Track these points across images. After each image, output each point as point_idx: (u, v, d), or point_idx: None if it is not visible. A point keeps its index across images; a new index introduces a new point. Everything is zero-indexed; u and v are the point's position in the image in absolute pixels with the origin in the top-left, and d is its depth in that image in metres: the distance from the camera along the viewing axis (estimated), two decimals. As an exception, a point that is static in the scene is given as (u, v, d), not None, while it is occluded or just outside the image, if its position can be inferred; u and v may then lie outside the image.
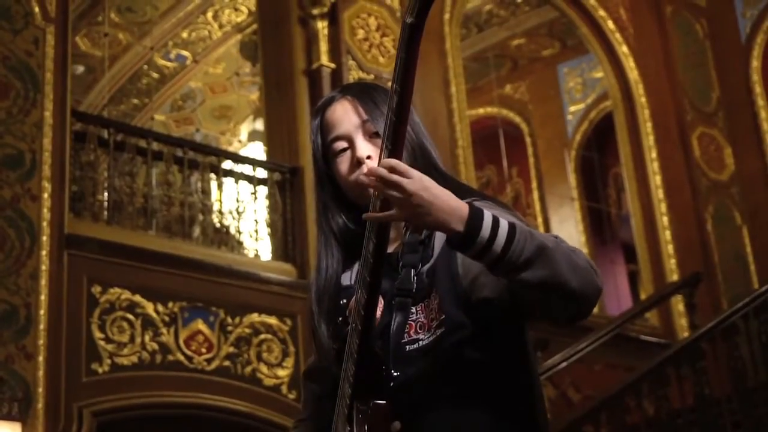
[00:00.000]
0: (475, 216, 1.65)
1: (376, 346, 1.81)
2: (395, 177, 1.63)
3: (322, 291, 2.02)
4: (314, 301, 2.03)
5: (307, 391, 2.20)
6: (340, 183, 2.01)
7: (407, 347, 1.85)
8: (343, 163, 1.99)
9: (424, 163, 1.97)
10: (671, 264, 10.23)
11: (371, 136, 1.98)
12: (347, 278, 2.03)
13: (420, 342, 1.85)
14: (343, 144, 2.00)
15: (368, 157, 1.95)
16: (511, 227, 1.66)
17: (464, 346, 1.83)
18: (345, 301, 1.96)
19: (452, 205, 1.65)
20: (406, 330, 1.86)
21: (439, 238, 1.89)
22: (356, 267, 2.00)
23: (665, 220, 10.46)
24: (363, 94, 2.03)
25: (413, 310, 1.87)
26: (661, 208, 10.51)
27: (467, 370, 1.83)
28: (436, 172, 1.97)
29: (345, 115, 2.01)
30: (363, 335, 1.76)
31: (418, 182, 1.64)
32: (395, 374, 1.81)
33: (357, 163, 1.96)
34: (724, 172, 10.94)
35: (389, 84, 1.71)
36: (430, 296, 1.86)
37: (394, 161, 1.65)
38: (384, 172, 1.64)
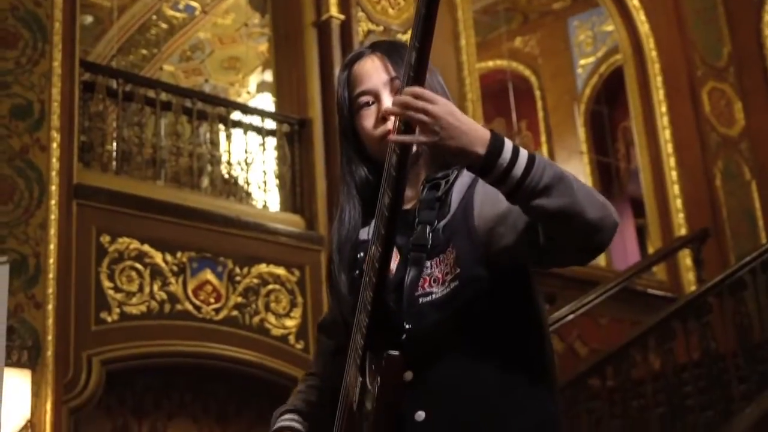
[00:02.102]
0: (497, 140, 1.66)
1: (389, 299, 1.81)
2: (420, 102, 1.64)
3: (344, 241, 2.04)
4: (335, 251, 2.04)
5: (320, 344, 2.22)
6: (363, 137, 2.03)
7: (420, 300, 1.87)
8: (368, 118, 2.00)
9: None
10: (679, 219, 10.22)
11: (397, 92, 1.96)
12: (365, 233, 2.04)
13: (433, 295, 1.86)
14: (369, 98, 2.01)
15: None
16: (531, 154, 1.68)
17: (477, 300, 1.85)
18: (362, 254, 1.98)
19: (475, 131, 1.66)
20: (420, 284, 1.87)
21: (456, 194, 1.91)
22: (373, 222, 2.02)
23: (674, 174, 10.44)
24: (392, 51, 2.04)
25: (428, 264, 1.88)
26: (670, 162, 10.49)
27: (479, 322, 1.85)
28: None
29: (373, 71, 2.02)
30: (376, 288, 1.78)
31: (443, 107, 1.65)
32: (407, 326, 1.81)
33: (382, 118, 1.97)
34: (734, 127, 10.90)
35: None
36: (446, 251, 1.87)
37: (418, 88, 1.66)
38: (410, 98, 1.65)
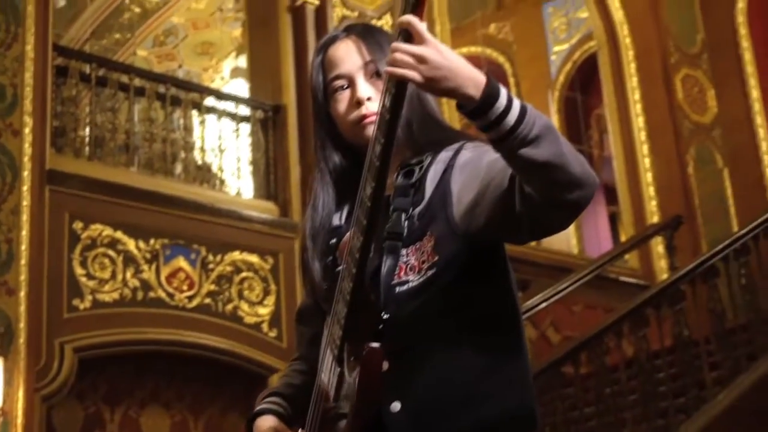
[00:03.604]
0: (493, 86, 1.64)
1: (367, 288, 1.80)
2: (412, 48, 1.62)
3: (318, 228, 2.02)
4: (308, 237, 2.02)
5: (299, 333, 2.20)
6: (338, 122, 2.00)
7: (397, 288, 1.85)
8: (342, 102, 1.98)
9: (420, 109, 1.97)
10: (652, 206, 10.27)
11: (372, 76, 1.97)
12: (337, 218, 2.02)
13: (409, 283, 1.84)
14: (343, 82, 1.99)
15: (368, 99, 1.94)
16: (523, 104, 1.66)
17: (454, 288, 1.83)
18: (335, 241, 1.97)
19: (468, 71, 1.64)
20: (396, 272, 1.85)
21: (431, 180, 1.89)
22: (346, 208, 2.02)
23: (647, 162, 10.48)
24: (367, 34, 2.02)
25: (403, 252, 1.86)
26: (643, 150, 10.53)
27: (456, 310, 1.84)
28: (431, 120, 1.98)
29: (348, 54, 2.00)
30: (356, 278, 1.76)
31: (433, 45, 1.63)
32: (385, 316, 1.80)
33: (356, 103, 1.95)
34: (707, 114, 10.94)
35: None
36: (423, 239, 1.86)
37: (412, 18, 1.63)
38: (400, 44, 1.63)
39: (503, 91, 1.64)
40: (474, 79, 1.64)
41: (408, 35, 1.64)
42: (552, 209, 1.68)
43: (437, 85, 1.63)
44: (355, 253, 1.75)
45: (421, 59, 1.61)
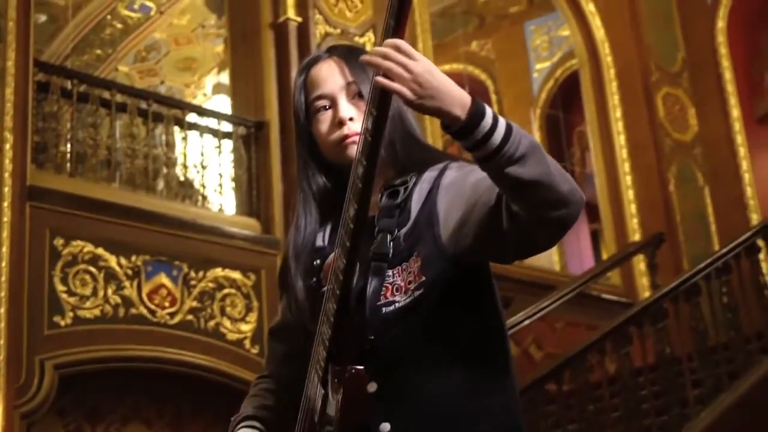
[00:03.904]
0: (478, 106, 1.64)
1: (352, 310, 1.79)
2: (401, 56, 1.61)
3: (300, 248, 2.01)
4: (291, 258, 2.01)
5: (271, 350, 2.20)
6: (320, 142, 2.00)
7: (383, 309, 1.84)
8: (324, 122, 1.98)
9: (402, 129, 1.97)
10: (634, 224, 10.29)
11: (354, 97, 1.97)
12: (320, 239, 2.01)
13: (396, 304, 1.84)
14: (325, 103, 1.98)
15: (350, 119, 1.94)
16: (508, 123, 1.65)
17: (441, 308, 1.83)
18: (318, 262, 1.96)
19: (455, 92, 1.63)
20: (382, 293, 1.84)
21: (416, 201, 1.89)
22: (329, 228, 2.01)
23: (629, 179, 10.51)
24: (350, 55, 2.02)
25: (389, 273, 1.86)
26: (625, 167, 10.56)
27: (443, 330, 1.83)
28: (414, 140, 1.98)
29: (330, 75, 1.99)
30: (341, 300, 1.75)
31: (423, 64, 1.62)
32: (370, 337, 1.79)
33: (338, 123, 1.95)
34: (688, 132, 10.99)
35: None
36: (409, 259, 1.85)
37: (399, 41, 1.62)
38: (390, 50, 1.62)
39: (488, 111, 1.64)
40: (460, 99, 1.63)
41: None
42: (539, 227, 1.67)
43: (424, 103, 1.62)
44: (339, 274, 1.74)
45: (410, 73, 1.60)
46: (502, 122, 1.64)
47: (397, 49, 1.62)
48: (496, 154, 1.62)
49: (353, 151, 1.86)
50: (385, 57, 1.62)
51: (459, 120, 1.62)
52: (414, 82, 1.61)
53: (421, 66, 1.61)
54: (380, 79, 1.62)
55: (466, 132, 1.62)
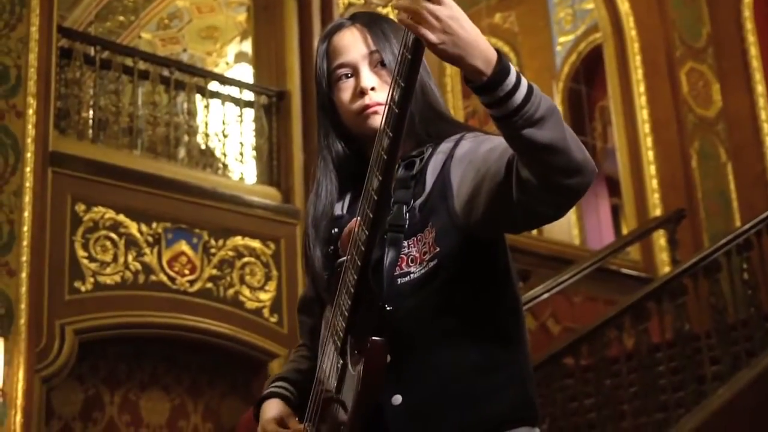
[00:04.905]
0: (504, 63, 1.61)
1: (371, 281, 1.79)
2: (430, 5, 1.58)
3: (320, 216, 2.01)
4: (310, 225, 2.02)
5: (301, 323, 2.20)
6: (341, 111, 2.00)
7: (399, 280, 1.84)
8: (346, 91, 1.97)
9: (423, 100, 1.96)
10: (654, 199, 10.25)
11: (376, 66, 1.96)
12: (339, 208, 2.02)
13: (411, 275, 1.84)
14: (347, 71, 1.98)
15: (372, 89, 1.93)
16: (530, 83, 1.63)
17: (456, 279, 1.83)
18: (336, 231, 1.96)
19: (481, 44, 1.61)
20: (398, 264, 1.85)
21: (431, 171, 1.89)
22: (348, 197, 2.02)
23: (650, 154, 10.46)
24: (373, 23, 2.01)
25: (405, 244, 1.86)
26: (647, 142, 10.50)
27: (458, 302, 1.83)
28: (434, 111, 1.97)
29: (353, 43, 1.99)
30: (362, 271, 1.74)
31: (451, 10, 1.59)
32: (388, 308, 1.79)
33: (360, 93, 1.94)
34: (711, 108, 10.92)
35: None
36: (424, 230, 1.85)
37: None
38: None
39: (513, 70, 1.62)
40: (485, 53, 1.60)
41: None
42: (549, 195, 1.65)
43: (446, 50, 1.59)
44: (360, 245, 1.74)
45: (437, 18, 1.57)
46: (524, 82, 1.62)
47: None
48: (515, 114, 1.60)
49: (374, 121, 1.88)
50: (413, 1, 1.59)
51: (482, 75, 1.60)
52: (439, 26, 1.57)
53: (448, 11, 1.58)
54: (404, 18, 1.59)
55: (489, 88, 1.60)
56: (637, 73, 10.76)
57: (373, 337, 1.74)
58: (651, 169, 10.37)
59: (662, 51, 10.84)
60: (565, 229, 11.31)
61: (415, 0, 1.58)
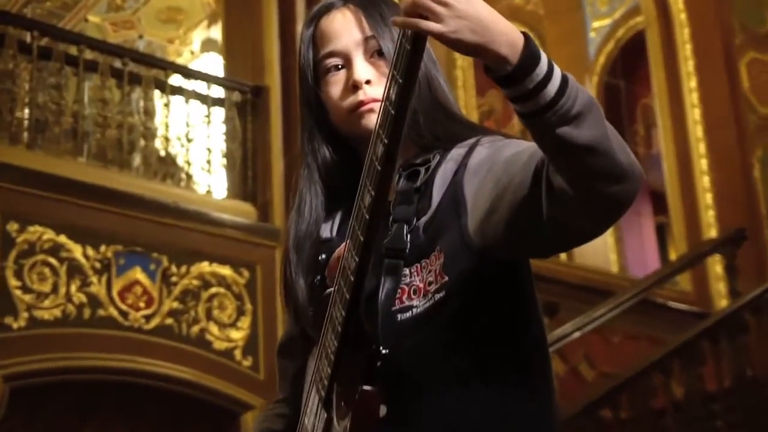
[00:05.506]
0: (532, 46, 1.58)
1: (361, 316, 1.77)
2: None
3: (303, 238, 2.00)
4: (292, 249, 2.00)
5: (281, 369, 2.19)
6: (329, 108, 1.98)
7: (398, 316, 1.82)
8: (336, 85, 1.96)
9: (429, 97, 1.94)
10: (709, 217, 10.27)
11: (373, 55, 1.95)
12: (327, 228, 2.00)
13: (414, 310, 1.82)
14: (337, 61, 1.97)
15: (367, 82, 1.92)
16: (563, 72, 1.60)
17: (468, 315, 1.81)
18: (324, 256, 1.94)
19: (503, 26, 1.58)
20: (397, 296, 1.82)
21: (439, 184, 1.87)
22: (338, 215, 2.00)
23: (704, 163, 10.48)
24: (369, 4, 1.99)
25: (406, 272, 1.83)
26: (700, 148, 10.53)
27: (470, 342, 1.81)
28: (442, 110, 1.95)
29: (345, 28, 1.98)
30: (351, 306, 1.73)
31: None
32: (383, 351, 1.77)
33: (353, 86, 1.93)
34: (778, 107, 10.95)
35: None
36: (430, 255, 1.83)
37: None
38: None
39: (543, 56, 1.59)
40: (509, 36, 1.57)
41: None
42: (587, 207, 1.62)
43: (461, 39, 1.56)
44: (349, 275, 1.71)
45: (444, 4, 1.54)
46: (557, 71, 1.58)
47: None
48: (547, 109, 1.57)
49: (369, 120, 1.86)
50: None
51: (507, 63, 1.57)
52: (448, 12, 1.55)
53: None
54: (404, 19, 1.56)
55: (515, 79, 1.57)
56: (688, 65, 10.79)
57: (364, 386, 1.71)
58: (704, 181, 10.40)
59: (718, 38, 10.87)
60: (600, 253, 11.33)
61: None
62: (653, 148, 12.50)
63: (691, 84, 10.74)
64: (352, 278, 1.71)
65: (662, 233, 12.67)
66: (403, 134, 1.63)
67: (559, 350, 7.78)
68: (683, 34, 10.91)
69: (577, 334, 7.51)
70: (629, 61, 12.81)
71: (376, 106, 1.81)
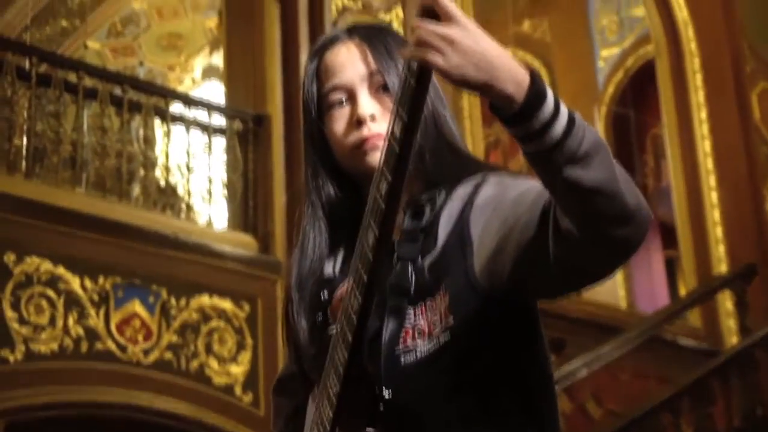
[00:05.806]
0: (539, 84, 1.58)
1: (365, 359, 1.78)
2: (439, 27, 1.56)
3: (306, 276, 1.99)
4: (294, 288, 2.00)
5: (277, 407, 2.18)
6: (333, 144, 1.98)
7: (402, 358, 1.82)
8: (339, 120, 1.96)
9: (435, 134, 1.95)
10: (719, 251, 10.25)
11: (378, 90, 1.95)
12: (330, 266, 2.00)
13: (418, 352, 1.82)
14: (342, 96, 1.97)
15: (372, 117, 1.92)
16: (570, 110, 1.60)
17: (474, 357, 1.81)
18: (326, 295, 1.95)
19: (508, 63, 1.58)
20: (401, 337, 1.83)
21: (445, 222, 1.87)
22: (341, 253, 2.00)
23: (714, 196, 10.47)
24: (374, 38, 2.00)
25: (410, 312, 1.84)
26: (710, 181, 10.52)
27: (476, 385, 1.82)
28: (449, 147, 1.96)
29: (349, 61, 1.98)
30: (353, 347, 1.74)
31: (461, 27, 1.57)
32: (386, 395, 1.78)
33: (357, 122, 1.93)
34: (790, 138, 10.96)
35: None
36: (435, 295, 1.83)
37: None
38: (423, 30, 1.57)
39: (550, 93, 1.59)
40: (514, 74, 1.58)
41: (432, 16, 1.58)
42: (595, 250, 1.63)
43: (465, 75, 1.57)
44: (351, 315, 1.73)
45: (448, 41, 1.56)
46: (564, 110, 1.59)
47: (435, 2, 1.56)
48: (554, 149, 1.57)
49: (374, 157, 1.86)
50: (417, 27, 1.57)
51: (512, 101, 1.57)
52: (453, 48, 1.56)
53: (462, 28, 1.57)
54: (410, 51, 1.57)
55: (522, 118, 1.58)
56: (698, 95, 10.80)
57: (366, 430, 1.73)
58: (715, 214, 10.38)
59: (729, 67, 10.88)
60: (608, 288, 11.29)
61: (417, 24, 1.57)
62: (663, 181, 12.48)
63: (701, 115, 10.75)
64: (355, 319, 1.72)
65: (672, 267, 12.64)
66: (407, 172, 1.65)
67: (566, 388, 7.76)
68: (693, 63, 10.92)
69: (584, 371, 7.50)
70: (639, 90, 12.80)
71: (381, 142, 1.80)
